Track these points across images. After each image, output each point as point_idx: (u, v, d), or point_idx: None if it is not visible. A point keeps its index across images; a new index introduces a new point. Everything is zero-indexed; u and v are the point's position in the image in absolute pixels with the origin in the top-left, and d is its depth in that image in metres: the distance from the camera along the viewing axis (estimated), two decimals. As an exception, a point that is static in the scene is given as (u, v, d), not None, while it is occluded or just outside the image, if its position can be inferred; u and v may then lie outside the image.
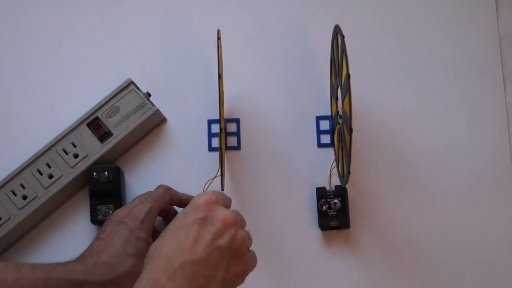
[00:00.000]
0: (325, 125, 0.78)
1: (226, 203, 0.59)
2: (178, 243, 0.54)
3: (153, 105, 0.75)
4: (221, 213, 0.56)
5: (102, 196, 0.73)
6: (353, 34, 0.78)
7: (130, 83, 0.75)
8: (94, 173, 0.73)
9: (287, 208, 0.75)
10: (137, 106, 0.75)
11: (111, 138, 0.74)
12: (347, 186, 0.73)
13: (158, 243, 0.56)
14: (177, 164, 0.77)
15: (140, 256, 0.64)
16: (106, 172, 0.72)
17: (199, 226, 0.55)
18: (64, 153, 0.74)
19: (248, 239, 0.58)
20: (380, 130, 0.77)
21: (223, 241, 0.55)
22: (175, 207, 0.74)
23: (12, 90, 0.80)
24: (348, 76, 0.61)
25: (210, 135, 0.78)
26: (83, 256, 0.65)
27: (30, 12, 0.82)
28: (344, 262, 0.74)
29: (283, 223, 0.75)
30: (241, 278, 0.56)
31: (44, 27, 0.82)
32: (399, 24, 0.81)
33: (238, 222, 0.57)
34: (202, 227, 0.55)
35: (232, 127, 0.78)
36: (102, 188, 0.73)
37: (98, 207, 0.73)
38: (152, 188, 0.75)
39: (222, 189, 0.71)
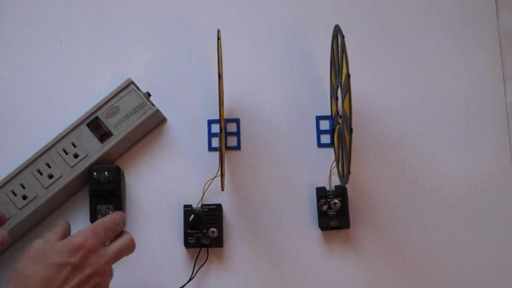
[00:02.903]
0: (325, 125, 0.78)
1: (110, 235, 0.65)
2: (47, 279, 0.59)
3: (153, 105, 0.75)
4: (94, 263, 0.61)
5: (102, 196, 0.73)
6: (353, 34, 0.78)
7: (130, 83, 0.75)
8: (95, 173, 0.73)
9: (287, 208, 0.75)
10: (137, 106, 0.75)
11: (111, 138, 0.74)
12: (347, 186, 0.73)
13: (28, 266, 0.60)
14: (177, 164, 0.77)
15: None
16: (106, 172, 0.72)
17: (70, 271, 0.60)
18: (64, 153, 0.74)
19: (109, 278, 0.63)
20: (380, 130, 0.77)
21: (88, 286, 0.61)
22: None
23: (12, 90, 0.80)
24: (348, 76, 0.61)
25: (210, 135, 0.78)
26: None
27: (30, 12, 0.82)
28: (344, 262, 0.74)
29: (283, 223, 0.75)
30: None
31: (44, 27, 0.82)
32: (399, 24, 0.81)
33: (107, 271, 0.62)
34: (72, 273, 0.60)
35: (232, 127, 0.78)
36: (102, 188, 0.73)
37: (98, 207, 0.73)
38: (152, 188, 0.75)
39: (222, 189, 0.71)
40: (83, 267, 0.60)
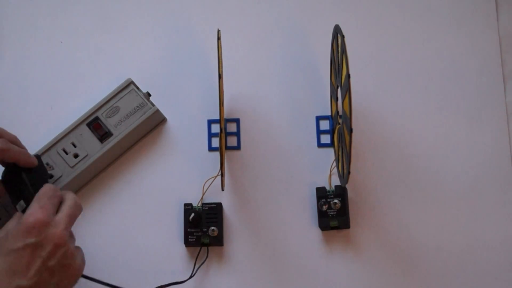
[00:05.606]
0: (325, 125, 0.78)
1: (56, 202, 0.61)
2: (10, 267, 0.57)
3: (153, 105, 0.75)
4: (52, 236, 0.58)
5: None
6: (353, 34, 0.78)
7: (130, 83, 0.75)
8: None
9: (287, 208, 0.75)
10: (137, 106, 0.75)
11: (111, 138, 0.74)
12: (347, 186, 0.73)
13: None
14: (177, 164, 0.77)
15: None
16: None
17: (30, 252, 0.57)
18: (64, 153, 0.74)
19: (76, 252, 0.61)
20: (380, 130, 0.77)
21: (54, 261, 0.58)
22: None
23: (12, 90, 0.80)
24: (348, 76, 0.61)
25: (210, 135, 0.78)
26: None
27: (30, 12, 0.82)
28: (344, 262, 0.74)
29: (283, 223, 0.75)
30: (73, 283, 0.61)
31: (44, 27, 0.82)
32: (399, 24, 0.81)
33: (68, 238, 0.60)
34: (33, 253, 0.57)
35: (232, 127, 0.78)
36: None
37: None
38: (152, 188, 0.75)
39: (223, 189, 0.71)
40: (43, 243, 0.58)
